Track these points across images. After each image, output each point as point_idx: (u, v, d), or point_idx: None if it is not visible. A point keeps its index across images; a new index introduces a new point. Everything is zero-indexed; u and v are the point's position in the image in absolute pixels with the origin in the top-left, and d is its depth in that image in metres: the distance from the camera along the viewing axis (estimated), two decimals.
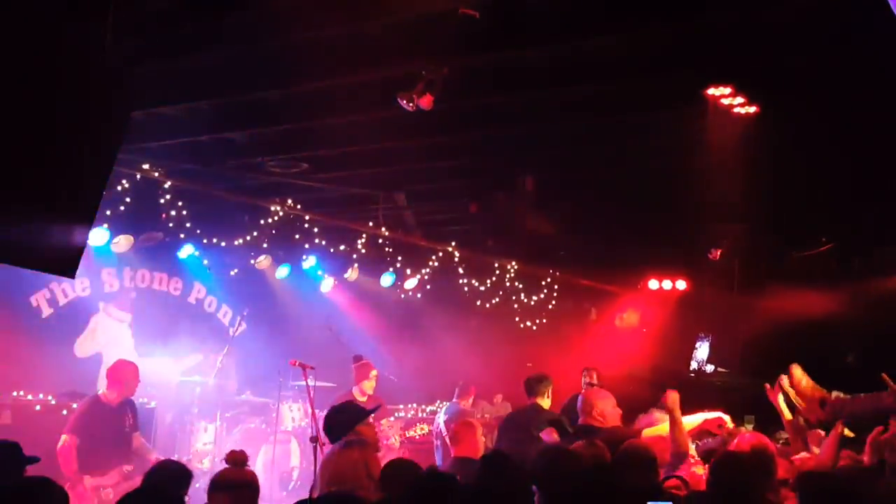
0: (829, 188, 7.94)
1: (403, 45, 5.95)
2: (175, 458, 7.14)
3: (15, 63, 3.96)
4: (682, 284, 12.25)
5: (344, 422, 5.16)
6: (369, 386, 8.86)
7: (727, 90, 5.60)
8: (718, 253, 9.74)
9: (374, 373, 8.87)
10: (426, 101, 6.01)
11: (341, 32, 5.93)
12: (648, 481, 4.34)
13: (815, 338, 9.40)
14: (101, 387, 7.37)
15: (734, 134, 6.69)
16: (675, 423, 5.48)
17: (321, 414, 8.99)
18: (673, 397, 5.56)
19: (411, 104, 6.11)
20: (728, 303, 10.59)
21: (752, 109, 5.82)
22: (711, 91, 5.60)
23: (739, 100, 5.69)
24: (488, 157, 8.42)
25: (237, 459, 4.34)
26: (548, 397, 7.34)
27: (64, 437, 6.72)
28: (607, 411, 6.05)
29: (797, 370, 5.87)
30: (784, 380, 5.88)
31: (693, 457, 5.58)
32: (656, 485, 4.39)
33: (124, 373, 7.16)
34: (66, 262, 4.11)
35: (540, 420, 6.83)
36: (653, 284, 12.37)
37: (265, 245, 10.03)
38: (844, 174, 7.80)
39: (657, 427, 5.83)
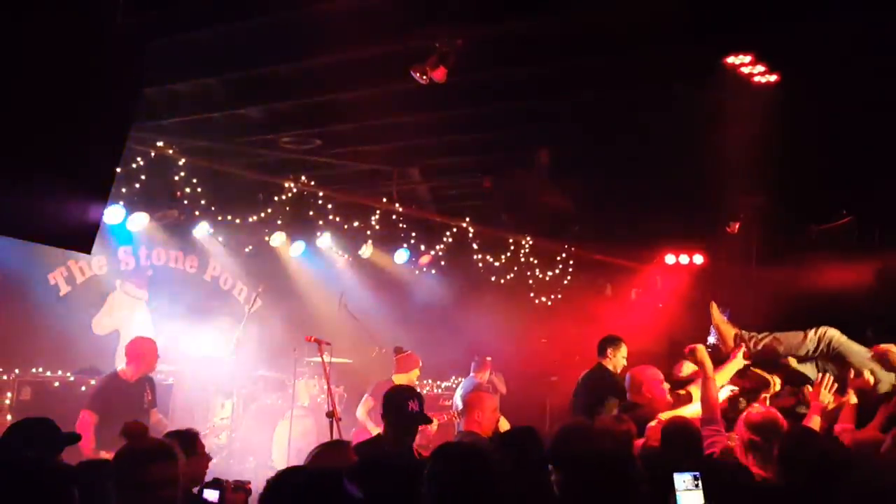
0: (850, 159, 7.83)
1: (416, 17, 5.89)
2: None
3: (26, 38, 3.94)
4: (699, 259, 12.15)
5: (384, 412, 5.22)
6: (403, 379, 8.77)
7: (747, 58, 5.50)
8: (737, 226, 9.63)
9: (416, 371, 8.76)
10: (439, 74, 5.97)
11: (354, 4, 5.88)
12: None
13: (834, 311, 9.30)
14: (120, 363, 7.39)
15: (753, 105, 6.60)
16: (707, 381, 5.41)
17: (337, 390, 9.11)
18: (701, 350, 5.53)
19: (424, 77, 6.07)
20: (746, 276, 10.51)
21: (773, 78, 5.71)
22: (731, 59, 5.50)
23: (760, 68, 5.59)
24: (503, 130, 8.35)
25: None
26: (612, 357, 7.70)
27: (83, 413, 6.76)
28: (655, 388, 6.02)
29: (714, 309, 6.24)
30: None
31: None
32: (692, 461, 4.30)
33: (143, 349, 7.18)
34: (82, 238, 4.11)
35: (599, 388, 7.16)
36: (669, 259, 12.28)
37: (279, 222, 10.02)
38: (865, 144, 7.68)
39: (680, 409, 5.77)
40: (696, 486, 3.67)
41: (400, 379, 8.56)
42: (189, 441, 4.45)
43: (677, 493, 3.65)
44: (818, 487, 3.80)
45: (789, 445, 4.18)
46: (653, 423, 5.31)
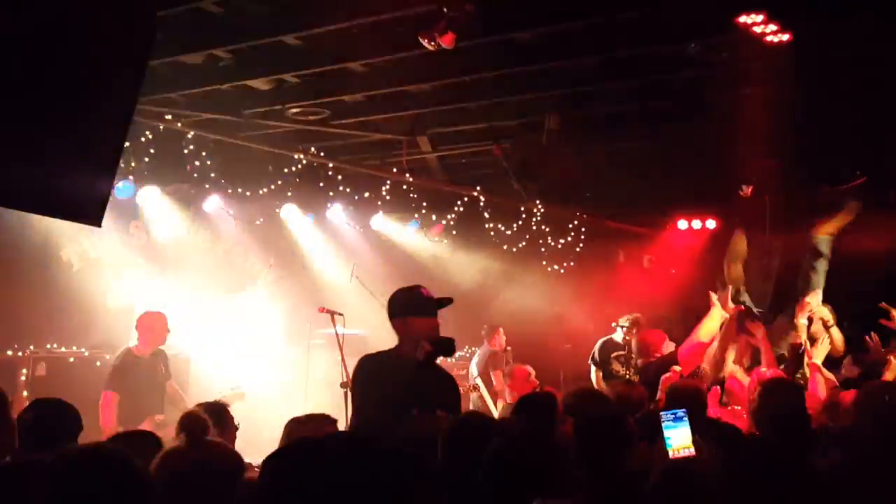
0: (864, 119, 7.72)
1: None
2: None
3: (31, 10, 3.90)
4: (711, 223, 12.07)
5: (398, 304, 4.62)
6: None
7: (759, 17, 5.41)
8: (750, 190, 9.54)
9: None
10: (448, 40, 5.89)
11: None
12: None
13: (848, 273, 9.24)
14: (133, 338, 7.42)
15: (765, 66, 6.51)
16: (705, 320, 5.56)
17: (351, 361, 9.12)
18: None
19: (433, 43, 5.99)
20: (760, 240, 10.43)
21: (785, 37, 5.62)
22: (743, 19, 5.42)
23: (772, 27, 5.50)
24: (511, 96, 8.27)
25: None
26: (619, 330, 8.76)
27: (104, 394, 6.80)
28: (663, 348, 6.06)
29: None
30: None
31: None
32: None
33: (152, 323, 7.20)
34: (91, 211, 4.09)
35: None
36: (682, 224, 12.20)
37: (289, 194, 10.00)
38: (878, 104, 7.58)
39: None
40: (683, 420, 3.67)
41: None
42: (218, 413, 4.49)
43: (664, 429, 3.67)
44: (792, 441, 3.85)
45: (766, 397, 4.24)
46: (667, 374, 5.39)
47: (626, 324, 9.56)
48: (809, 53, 6.33)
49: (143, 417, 6.78)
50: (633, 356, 8.07)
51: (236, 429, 4.60)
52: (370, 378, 4.47)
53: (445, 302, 4.73)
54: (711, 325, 5.83)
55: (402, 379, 4.28)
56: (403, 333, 4.58)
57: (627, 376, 8.97)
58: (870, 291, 9.72)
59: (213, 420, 4.23)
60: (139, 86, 4.55)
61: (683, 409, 3.77)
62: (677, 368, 5.45)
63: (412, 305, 4.62)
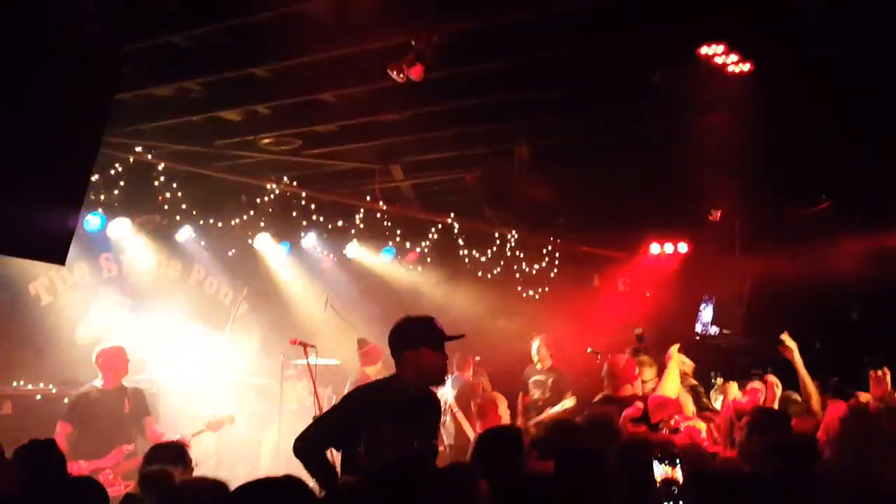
0: (828, 143, 7.84)
1: (391, 14, 5.86)
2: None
3: None
4: (683, 247, 12.16)
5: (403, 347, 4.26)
6: (373, 371, 8.81)
7: (720, 48, 5.51)
8: (719, 214, 9.65)
9: (381, 363, 8.86)
10: (416, 72, 5.94)
11: (328, 3, 5.85)
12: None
13: (818, 295, 9.34)
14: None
15: (730, 92, 6.60)
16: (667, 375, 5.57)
17: (325, 391, 9.08)
18: (672, 351, 5.65)
19: (401, 75, 6.03)
20: (730, 263, 10.53)
21: (746, 67, 5.73)
22: (704, 50, 5.51)
23: (733, 57, 5.60)
24: (482, 124, 8.34)
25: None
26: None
27: (58, 423, 6.76)
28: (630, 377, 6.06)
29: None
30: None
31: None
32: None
33: (108, 355, 7.13)
34: (54, 249, 4.06)
35: None
36: (654, 249, 12.28)
37: (262, 224, 9.98)
38: (843, 127, 7.69)
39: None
40: (675, 465, 3.67)
41: (371, 371, 8.65)
42: (180, 453, 4.45)
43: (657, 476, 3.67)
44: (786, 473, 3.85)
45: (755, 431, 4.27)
46: (629, 410, 5.38)
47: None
48: (771, 82, 6.43)
49: (106, 450, 6.72)
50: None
51: (192, 469, 4.54)
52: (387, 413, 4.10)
53: (456, 337, 4.33)
54: (672, 382, 5.75)
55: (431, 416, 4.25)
56: (415, 366, 4.17)
57: (541, 402, 9.13)
58: (843, 311, 9.85)
59: (177, 459, 4.21)
60: (105, 120, 4.54)
61: (676, 459, 3.78)
62: (640, 405, 5.39)
63: (429, 336, 4.19)
